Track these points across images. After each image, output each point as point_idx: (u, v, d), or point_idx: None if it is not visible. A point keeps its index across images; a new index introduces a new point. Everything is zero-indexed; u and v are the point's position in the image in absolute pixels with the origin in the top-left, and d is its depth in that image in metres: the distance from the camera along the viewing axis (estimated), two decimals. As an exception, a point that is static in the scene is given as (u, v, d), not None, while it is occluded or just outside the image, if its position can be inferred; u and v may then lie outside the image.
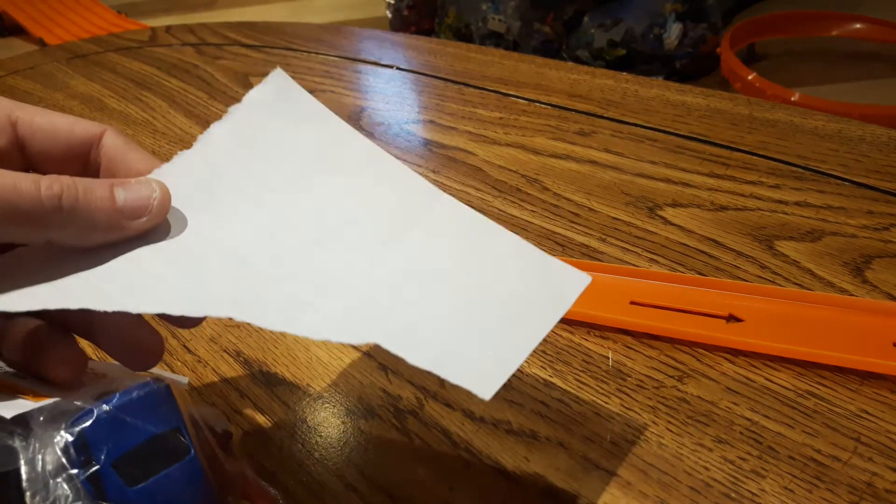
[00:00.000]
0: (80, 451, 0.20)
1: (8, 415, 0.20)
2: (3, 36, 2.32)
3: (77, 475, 0.19)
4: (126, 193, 0.22)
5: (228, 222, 0.25)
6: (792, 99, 1.34)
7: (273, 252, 0.24)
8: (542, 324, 0.22)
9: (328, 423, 0.32)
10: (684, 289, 0.35)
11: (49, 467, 0.19)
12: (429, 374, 0.34)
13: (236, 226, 0.25)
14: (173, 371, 0.35)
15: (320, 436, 0.31)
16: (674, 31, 1.54)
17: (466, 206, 0.28)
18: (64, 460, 0.19)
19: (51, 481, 0.19)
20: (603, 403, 0.31)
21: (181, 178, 0.25)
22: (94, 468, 0.20)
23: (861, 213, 0.40)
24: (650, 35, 1.55)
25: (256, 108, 0.28)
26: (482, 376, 0.21)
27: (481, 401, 0.31)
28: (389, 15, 2.02)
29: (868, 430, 0.28)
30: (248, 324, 0.32)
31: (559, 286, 0.24)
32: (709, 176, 0.45)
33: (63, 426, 0.20)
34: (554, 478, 0.28)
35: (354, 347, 0.35)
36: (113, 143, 0.25)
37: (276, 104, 0.29)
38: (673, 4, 1.53)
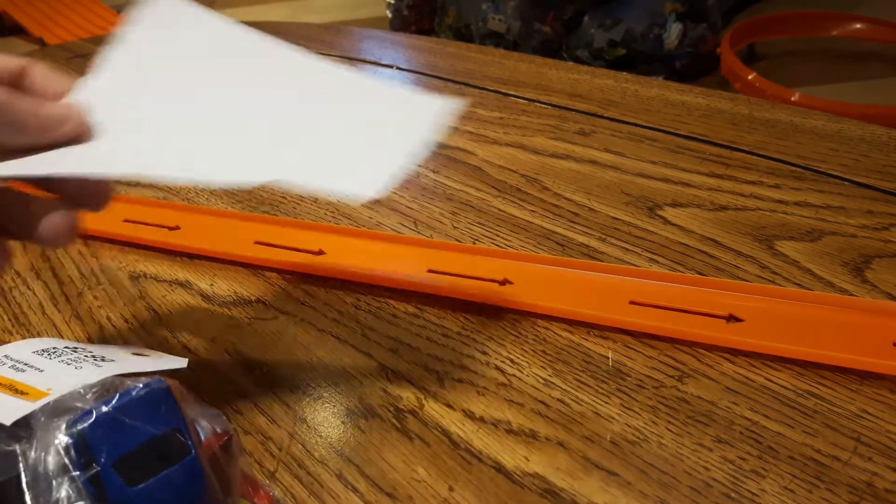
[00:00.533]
0: (81, 452, 0.20)
1: (8, 420, 0.20)
2: (3, 36, 2.32)
3: (78, 476, 0.19)
4: (49, 107, 0.27)
5: (139, 121, 0.30)
6: (792, 99, 1.34)
7: (176, 131, 0.29)
8: (421, 139, 0.27)
9: (328, 423, 0.32)
10: (684, 289, 0.35)
11: (51, 468, 0.19)
12: (429, 373, 0.34)
13: (145, 120, 0.30)
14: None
15: (320, 436, 0.31)
16: (674, 31, 1.54)
17: (352, 71, 0.32)
18: (66, 461, 0.19)
19: (53, 482, 0.19)
20: (603, 403, 0.31)
21: (95, 94, 0.29)
22: (95, 470, 0.20)
23: (861, 212, 0.40)
24: (650, 35, 1.55)
25: (147, 24, 0.32)
26: (371, 182, 0.25)
27: (481, 400, 0.31)
28: (389, 15, 2.02)
29: (868, 429, 0.28)
30: (159, 178, 0.30)
31: (434, 110, 0.29)
32: (709, 176, 0.45)
33: (64, 427, 0.20)
34: (554, 478, 0.28)
35: (355, 347, 0.35)
36: (41, 72, 0.28)
37: (163, 17, 0.33)
38: (673, 4, 1.53)
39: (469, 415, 0.31)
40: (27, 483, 0.19)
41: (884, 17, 1.59)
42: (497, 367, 0.33)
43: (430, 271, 0.39)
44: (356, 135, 0.28)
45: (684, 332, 0.33)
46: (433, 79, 0.66)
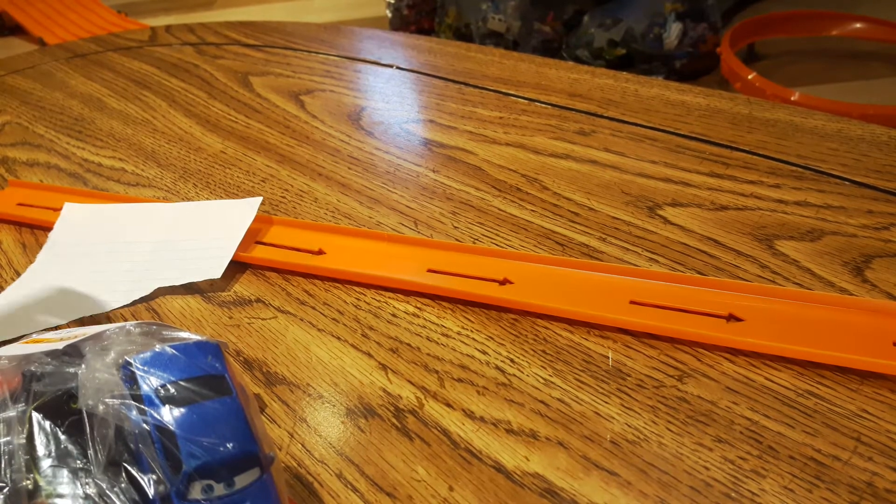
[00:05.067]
0: (128, 376, 0.22)
1: (62, 345, 0.23)
2: (3, 35, 2.32)
3: (124, 395, 0.21)
4: None
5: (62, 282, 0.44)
6: (792, 98, 1.34)
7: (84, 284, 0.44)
8: (240, 230, 0.44)
9: (328, 423, 0.32)
10: (684, 288, 0.35)
11: (100, 385, 0.21)
12: (429, 373, 0.34)
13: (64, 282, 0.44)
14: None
15: (320, 436, 0.31)
16: (674, 31, 1.54)
17: (178, 203, 0.49)
18: (114, 380, 0.21)
19: (102, 397, 0.21)
20: (603, 403, 0.31)
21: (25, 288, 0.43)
22: (137, 391, 0.21)
23: (861, 212, 0.40)
24: (650, 35, 1.55)
25: (61, 233, 0.47)
26: (214, 267, 0.41)
27: (481, 400, 0.31)
28: (389, 14, 2.02)
29: (868, 429, 0.28)
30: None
31: (242, 211, 0.45)
32: (709, 175, 0.45)
33: (113, 354, 0.22)
34: (554, 478, 0.28)
35: (355, 347, 0.35)
36: None
37: (72, 225, 0.48)
38: (673, 4, 1.53)
39: (469, 415, 0.31)
40: (81, 395, 0.21)
41: (884, 17, 1.58)
42: (497, 367, 0.33)
43: (430, 271, 0.39)
44: (196, 242, 0.44)
45: (684, 331, 0.33)
46: (433, 78, 0.66)
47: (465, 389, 0.32)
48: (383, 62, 0.71)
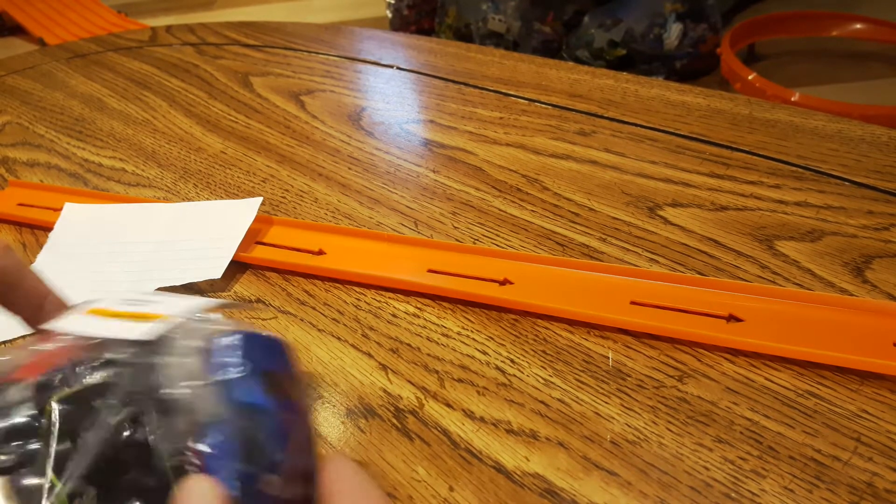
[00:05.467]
0: (218, 361, 0.21)
1: (152, 336, 0.21)
2: (3, 36, 2.32)
3: (214, 381, 0.20)
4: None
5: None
6: (792, 99, 1.34)
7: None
8: (240, 230, 0.43)
9: (328, 423, 0.32)
10: (684, 289, 0.35)
11: (189, 376, 0.20)
12: (429, 373, 0.34)
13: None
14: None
15: (320, 436, 0.31)
16: (674, 31, 1.54)
17: (176, 203, 0.49)
18: (201, 368, 0.20)
19: (188, 391, 0.20)
20: (603, 403, 0.31)
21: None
22: (231, 375, 0.21)
23: (861, 213, 0.40)
24: (650, 35, 1.55)
25: (61, 233, 0.47)
26: (214, 268, 0.41)
27: (481, 400, 0.31)
28: (389, 14, 2.02)
29: (868, 429, 0.28)
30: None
31: (242, 211, 0.45)
32: (709, 176, 0.45)
33: (202, 341, 0.21)
34: (554, 478, 0.28)
35: (355, 347, 0.35)
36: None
37: (72, 225, 0.48)
38: (673, 4, 1.53)
39: (469, 415, 0.31)
40: (165, 394, 0.20)
41: (884, 17, 1.58)
42: (497, 367, 0.33)
43: (430, 271, 0.39)
44: (196, 243, 0.44)
45: (684, 332, 0.33)
46: (433, 79, 0.66)
47: (466, 390, 0.32)
48: (383, 62, 0.71)
